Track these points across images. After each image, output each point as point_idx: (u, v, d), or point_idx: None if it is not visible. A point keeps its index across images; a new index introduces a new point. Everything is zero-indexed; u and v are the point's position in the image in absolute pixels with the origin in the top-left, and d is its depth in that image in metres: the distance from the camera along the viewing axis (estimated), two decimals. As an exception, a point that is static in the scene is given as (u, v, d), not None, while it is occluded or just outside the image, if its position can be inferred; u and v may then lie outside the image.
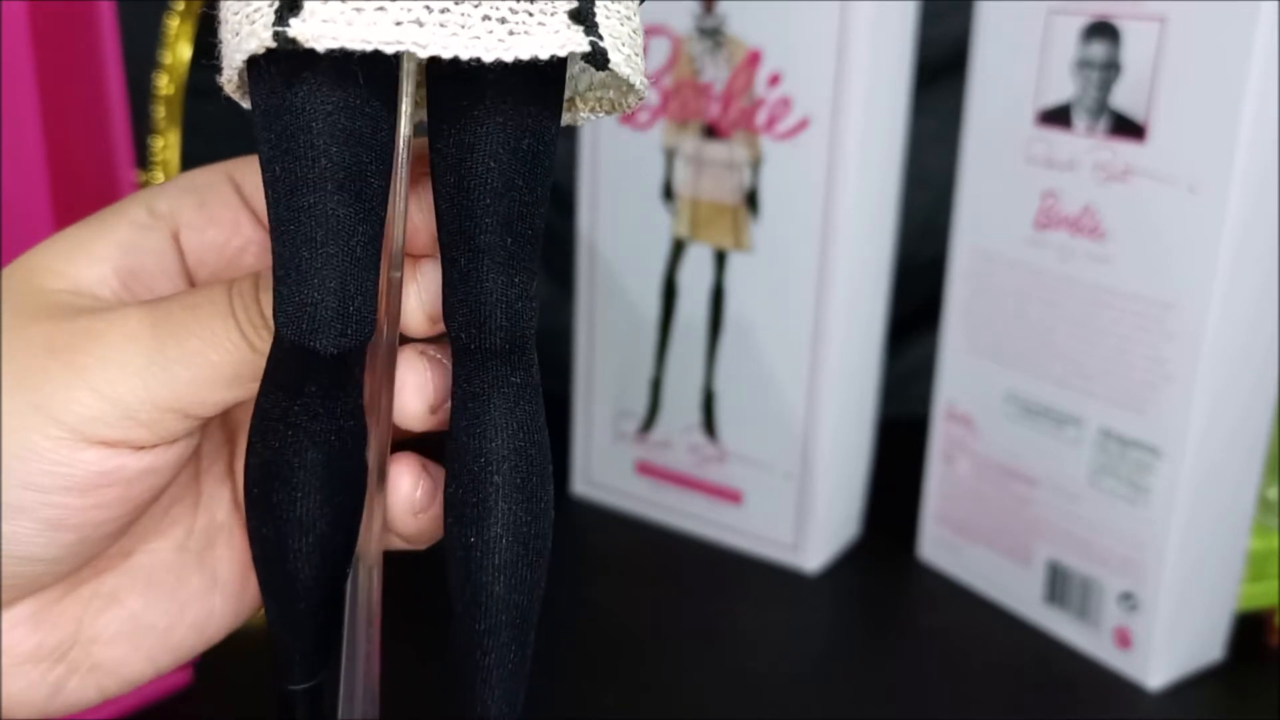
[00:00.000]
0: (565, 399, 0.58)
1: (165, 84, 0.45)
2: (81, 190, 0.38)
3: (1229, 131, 0.39)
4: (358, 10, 0.18)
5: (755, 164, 0.49)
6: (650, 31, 0.51)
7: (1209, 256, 0.40)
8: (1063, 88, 0.44)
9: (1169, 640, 0.45)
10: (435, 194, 0.21)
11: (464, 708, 0.24)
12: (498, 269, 0.21)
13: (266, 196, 0.20)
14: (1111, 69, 0.43)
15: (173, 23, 0.46)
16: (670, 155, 0.51)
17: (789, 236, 0.49)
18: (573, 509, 0.58)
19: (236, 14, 0.19)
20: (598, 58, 0.19)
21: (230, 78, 0.19)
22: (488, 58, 0.18)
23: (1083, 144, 0.44)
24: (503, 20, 0.18)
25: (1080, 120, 0.44)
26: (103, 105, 0.37)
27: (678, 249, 0.52)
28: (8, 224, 0.36)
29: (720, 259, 0.51)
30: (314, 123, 0.19)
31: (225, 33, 0.19)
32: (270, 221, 0.20)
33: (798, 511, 0.52)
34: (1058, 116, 0.45)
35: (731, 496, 0.54)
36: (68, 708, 0.24)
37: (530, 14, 0.19)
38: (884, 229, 0.52)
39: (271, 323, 0.20)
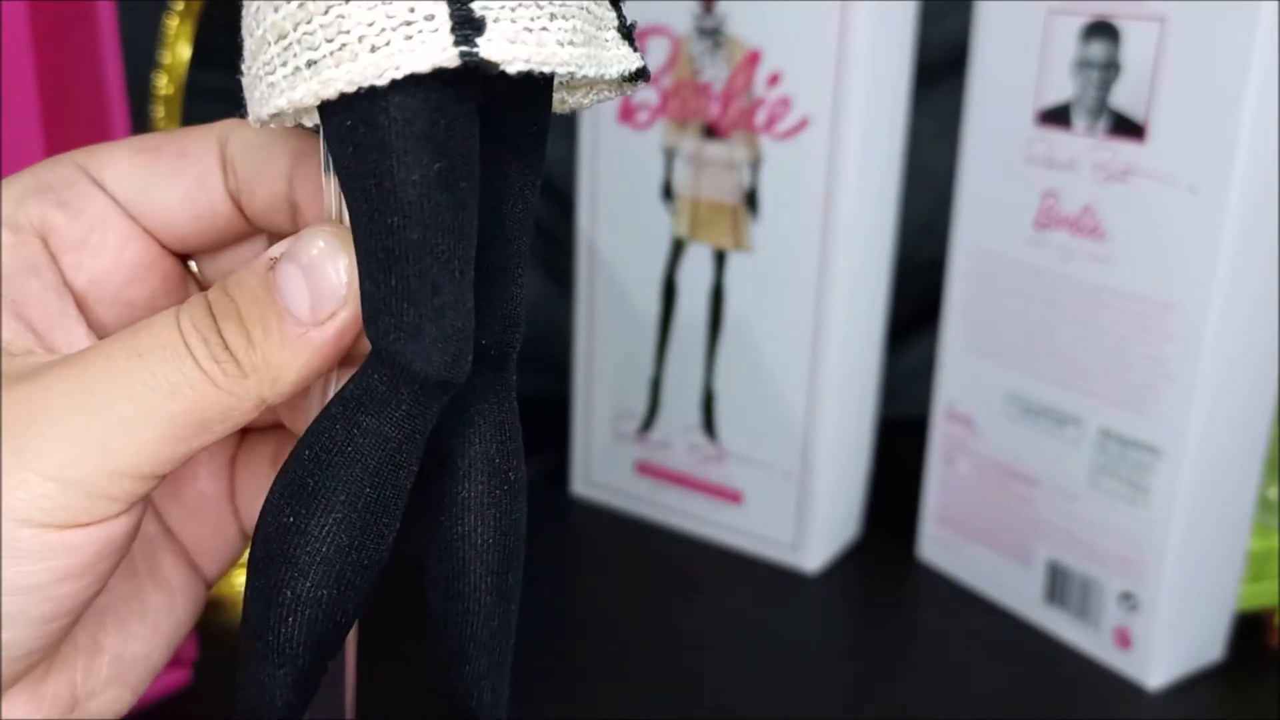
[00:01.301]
0: (565, 399, 0.58)
1: (165, 84, 0.45)
2: (81, 190, 0.38)
3: (1229, 131, 0.39)
4: (529, 30, 0.18)
5: (755, 164, 0.49)
6: (650, 31, 0.51)
7: (1209, 256, 0.40)
8: (1063, 88, 0.44)
9: (1169, 640, 0.45)
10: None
11: (453, 689, 0.24)
12: (486, 281, 0.21)
13: (360, 218, 0.19)
14: (1111, 69, 0.43)
15: (173, 23, 0.46)
16: (670, 155, 0.51)
17: (789, 236, 0.49)
18: (573, 509, 0.58)
19: (371, 25, 0.17)
20: (640, 75, 0.20)
21: (347, 89, 0.18)
22: (609, 74, 0.19)
23: (1083, 144, 0.44)
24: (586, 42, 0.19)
25: (1080, 120, 0.44)
26: (103, 105, 0.37)
27: (677, 249, 0.52)
28: (7, 224, 0.36)
29: (720, 259, 0.51)
30: (437, 137, 0.18)
31: (344, 40, 0.18)
32: (372, 246, 0.19)
33: (798, 511, 0.52)
34: (1058, 116, 0.45)
35: (731, 496, 0.54)
36: None
37: (605, 38, 0.19)
38: (884, 229, 0.52)
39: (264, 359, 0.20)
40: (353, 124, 0.18)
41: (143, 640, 0.24)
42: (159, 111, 0.45)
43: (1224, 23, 0.39)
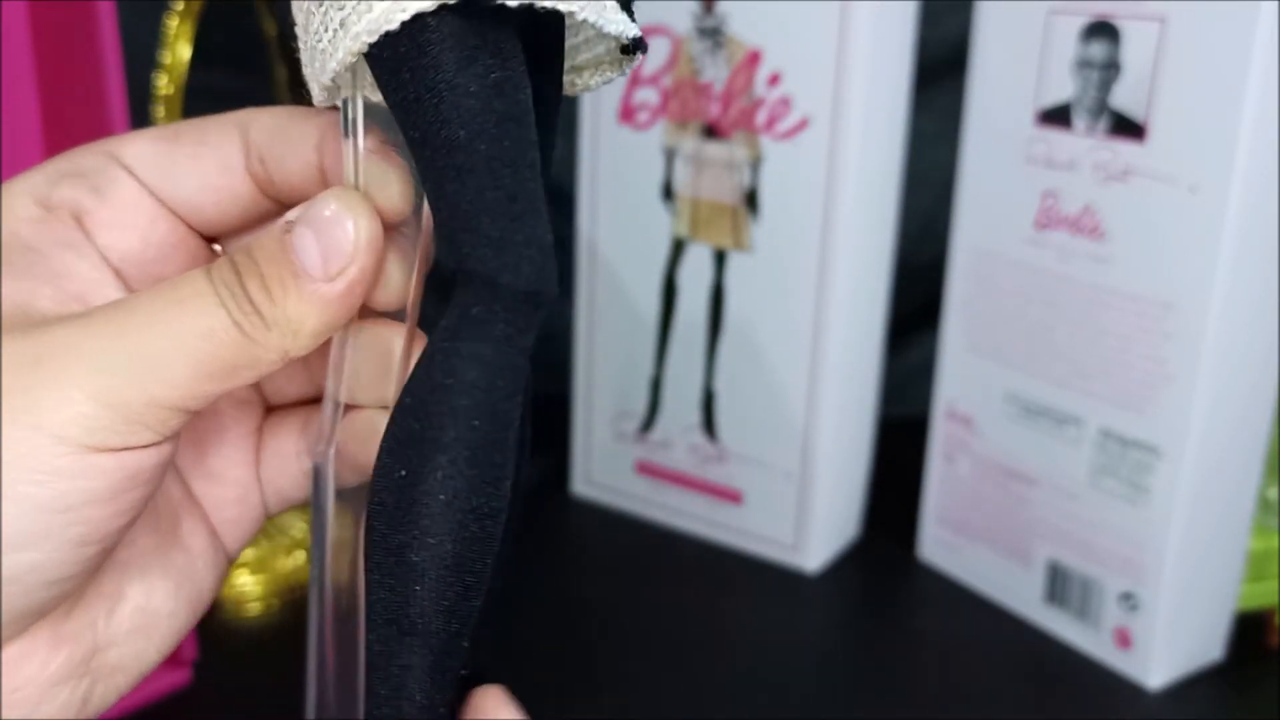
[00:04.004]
0: (565, 399, 0.58)
1: (165, 84, 0.45)
2: (81, 190, 0.38)
3: (1229, 131, 0.39)
4: None
5: (755, 164, 0.49)
6: (650, 31, 0.51)
7: (1209, 256, 0.40)
8: (1063, 88, 0.44)
9: (1169, 640, 0.45)
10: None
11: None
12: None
13: (423, 145, 0.19)
14: (1111, 69, 0.43)
15: (173, 23, 0.46)
16: (670, 155, 0.51)
17: (789, 236, 0.49)
18: (573, 509, 0.58)
19: None
20: (638, 46, 0.21)
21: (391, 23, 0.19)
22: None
23: (1083, 144, 0.44)
24: None
25: (1080, 120, 0.44)
26: (103, 105, 0.37)
27: (678, 249, 0.52)
28: (8, 224, 0.36)
29: (720, 259, 0.51)
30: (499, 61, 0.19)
31: None
32: (439, 167, 0.19)
33: (798, 511, 0.52)
34: (1058, 116, 0.45)
35: (731, 496, 0.54)
36: (95, 713, 0.23)
37: None
38: (884, 229, 0.52)
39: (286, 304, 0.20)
40: (403, 56, 0.19)
41: (166, 596, 0.24)
42: (159, 111, 0.45)
43: (1224, 23, 0.39)
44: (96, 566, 0.22)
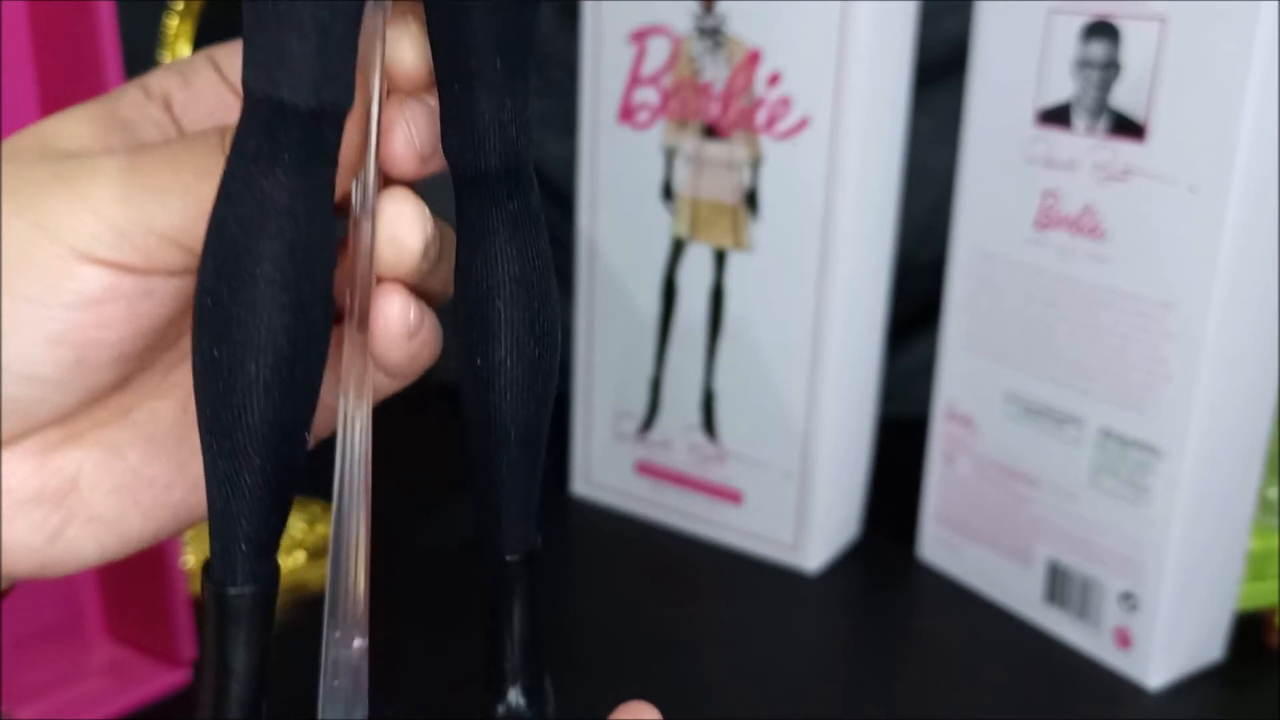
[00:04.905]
0: (565, 399, 0.58)
1: (165, 84, 0.45)
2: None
3: (1229, 131, 0.39)
4: None
5: (755, 164, 0.49)
6: (650, 31, 0.51)
7: (1209, 256, 0.40)
8: (1063, 87, 0.44)
9: (1169, 640, 0.45)
10: (429, 24, 0.21)
11: (483, 534, 0.24)
12: (489, 92, 0.21)
13: None
14: (1111, 69, 0.43)
15: (173, 23, 0.46)
16: (670, 155, 0.51)
17: (789, 236, 0.49)
18: (573, 509, 0.58)
19: None
20: None
21: None
22: None
23: (1083, 144, 0.44)
24: None
25: (1080, 120, 0.44)
26: (102, 105, 0.37)
27: (677, 249, 0.52)
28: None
29: (720, 259, 0.51)
30: None
31: None
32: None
33: (798, 511, 0.52)
34: (1058, 116, 0.45)
35: (731, 496, 0.54)
36: (66, 558, 0.24)
37: None
38: (884, 229, 0.52)
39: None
40: None
41: (165, 469, 0.25)
42: (159, 111, 0.45)
43: (1224, 23, 0.39)
44: (79, 389, 0.23)
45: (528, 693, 0.25)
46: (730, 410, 0.53)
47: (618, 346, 0.56)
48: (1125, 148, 0.43)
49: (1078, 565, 0.47)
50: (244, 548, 0.21)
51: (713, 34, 0.49)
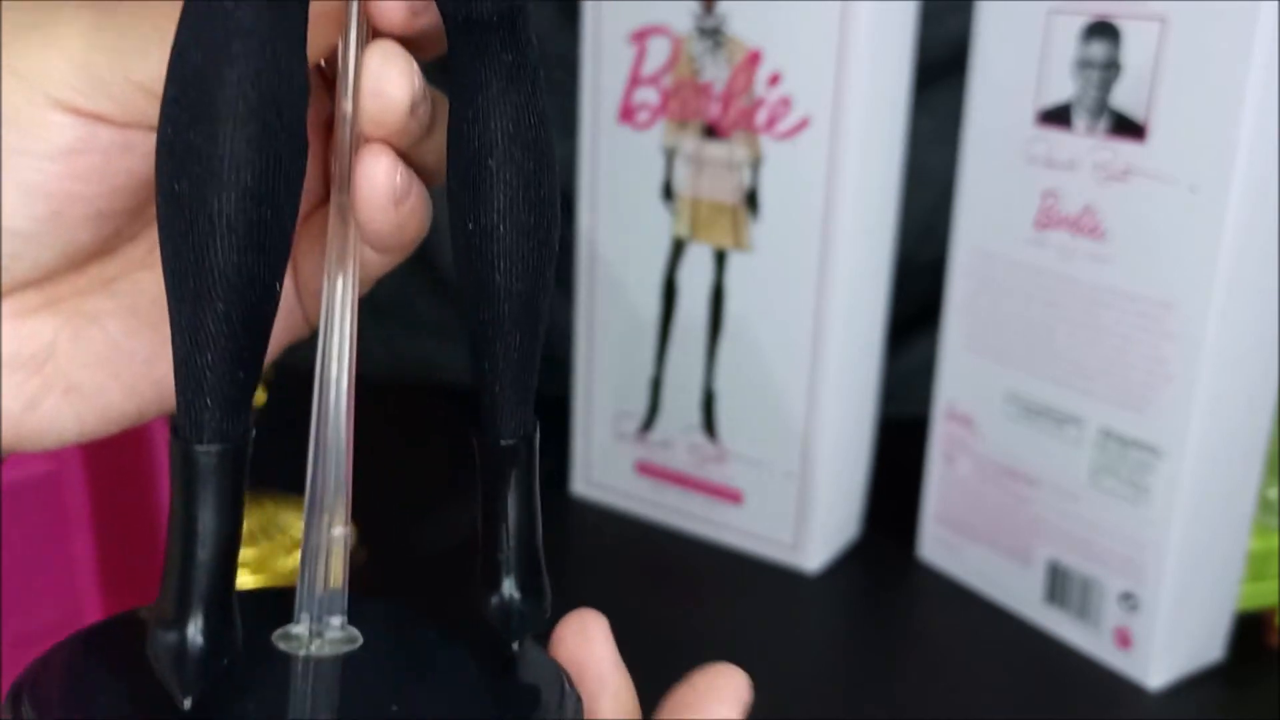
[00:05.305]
0: (565, 399, 0.58)
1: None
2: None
3: (1229, 131, 0.39)
4: None
5: (755, 164, 0.49)
6: (650, 31, 0.51)
7: (1209, 256, 0.40)
8: (1063, 88, 0.44)
9: (1169, 640, 0.45)
10: None
11: (479, 419, 0.23)
12: None
13: None
14: (1111, 69, 0.43)
15: (173, 23, 0.46)
16: (670, 155, 0.51)
17: (789, 236, 0.49)
18: (573, 509, 0.58)
19: None
20: None
21: None
22: None
23: (1083, 144, 0.44)
24: None
25: (1080, 120, 0.44)
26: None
27: (678, 249, 0.52)
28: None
29: (720, 259, 0.51)
30: None
31: None
32: None
33: (798, 511, 0.52)
34: (1058, 116, 0.45)
35: (731, 496, 0.54)
36: (44, 429, 0.24)
37: None
38: (884, 229, 0.52)
39: None
40: None
41: (147, 343, 0.24)
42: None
43: (1224, 23, 0.39)
44: (54, 244, 0.22)
45: (523, 586, 0.24)
46: (730, 410, 0.53)
47: (618, 346, 0.56)
48: (1125, 148, 0.43)
49: (1078, 565, 0.47)
50: (209, 402, 0.20)
51: (713, 34, 0.49)
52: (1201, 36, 0.40)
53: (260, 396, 0.48)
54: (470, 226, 0.22)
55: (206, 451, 0.20)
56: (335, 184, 0.23)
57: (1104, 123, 0.43)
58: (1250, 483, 0.45)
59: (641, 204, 0.53)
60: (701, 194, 0.51)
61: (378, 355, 0.73)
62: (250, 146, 0.19)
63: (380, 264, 0.24)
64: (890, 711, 0.44)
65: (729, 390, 0.53)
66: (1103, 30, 0.43)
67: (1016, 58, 0.46)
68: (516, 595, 0.24)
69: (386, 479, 0.47)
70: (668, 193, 0.52)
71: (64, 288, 0.24)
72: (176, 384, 0.20)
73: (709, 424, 0.54)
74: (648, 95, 0.51)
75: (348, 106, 0.22)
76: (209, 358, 0.20)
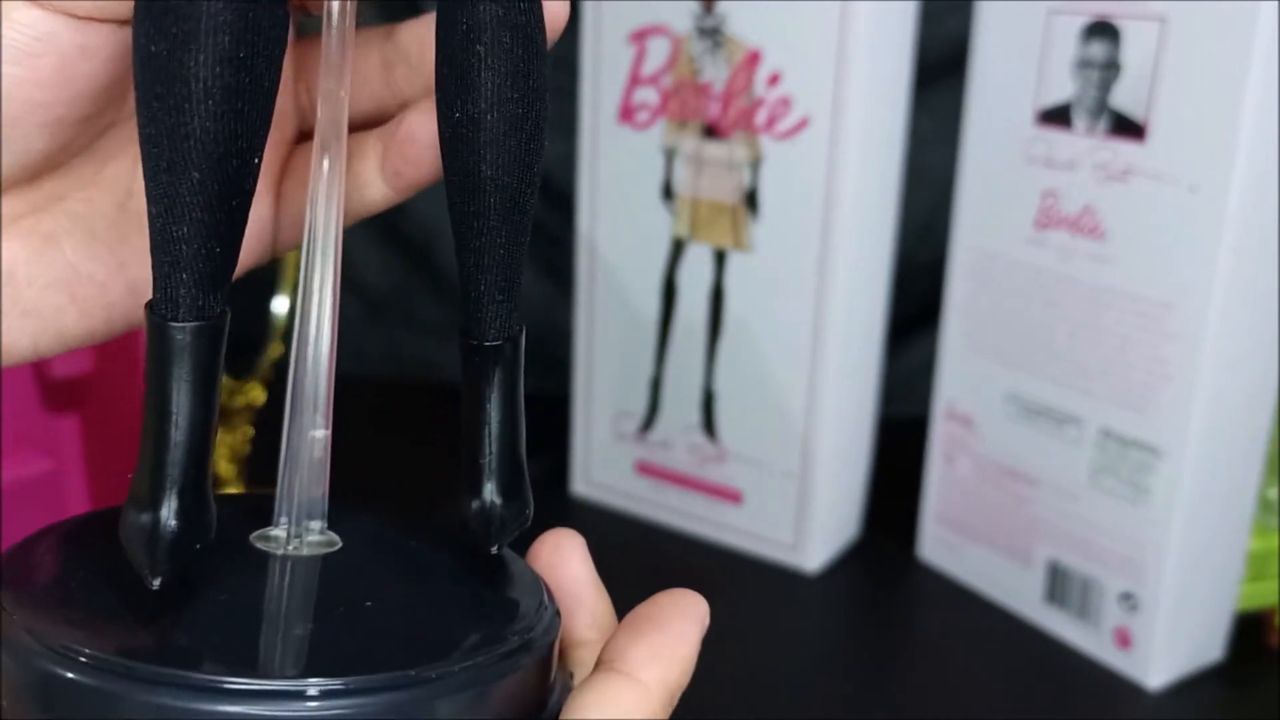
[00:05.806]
0: (565, 399, 0.58)
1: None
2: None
3: (1229, 131, 0.39)
4: None
5: (755, 164, 0.49)
6: (650, 31, 0.51)
7: (1209, 256, 0.40)
8: (1063, 88, 0.44)
9: (1169, 640, 0.45)
10: None
11: (462, 319, 0.23)
12: None
13: None
14: (1111, 69, 0.43)
15: None
16: (670, 155, 0.51)
17: (789, 236, 0.49)
18: (573, 509, 0.58)
19: None
20: None
21: None
22: None
23: (1083, 144, 0.44)
24: None
25: (1080, 120, 0.44)
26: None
27: (677, 249, 0.52)
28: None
29: (720, 259, 0.51)
30: None
31: None
32: None
33: (798, 511, 0.52)
34: (1058, 116, 0.45)
35: (731, 496, 0.54)
36: None
37: None
38: (884, 229, 0.52)
39: None
40: None
41: (103, 266, 0.24)
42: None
43: (1224, 23, 0.39)
44: (10, 154, 0.22)
45: (505, 491, 0.23)
46: (730, 410, 0.53)
47: (618, 346, 0.56)
48: (1125, 148, 0.43)
49: (1078, 565, 0.47)
50: (185, 277, 0.19)
51: (713, 34, 0.49)
52: (1201, 36, 0.40)
53: (260, 396, 0.48)
54: (457, 115, 0.21)
55: (182, 329, 0.19)
56: (324, 73, 0.22)
57: (1104, 123, 0.43)
58: (1250, 483, 0.45)
59: (641, 204, 0.53)
60: (701, 194, 0.51)
61: (378, 355, 0.73)
62: (229, 8, 0.18)
63: (386, 200, 0.25)
64: (890, 711, 0.44)
65: (729, 390, 0.53)
66: (1102, 30, 0.43)
67: (1016, 58, 0.46)
68: (498, 500, 0.23)
69: (386, 478, 0.47)
70: (667, 193, 0.52)
71: (18, 203, 0.23)
72: (153, 260, 0.20)
73: (709, 424, 0.54)
74: (647, 95, 0.51)
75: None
76: (184, 230, 0.19)
